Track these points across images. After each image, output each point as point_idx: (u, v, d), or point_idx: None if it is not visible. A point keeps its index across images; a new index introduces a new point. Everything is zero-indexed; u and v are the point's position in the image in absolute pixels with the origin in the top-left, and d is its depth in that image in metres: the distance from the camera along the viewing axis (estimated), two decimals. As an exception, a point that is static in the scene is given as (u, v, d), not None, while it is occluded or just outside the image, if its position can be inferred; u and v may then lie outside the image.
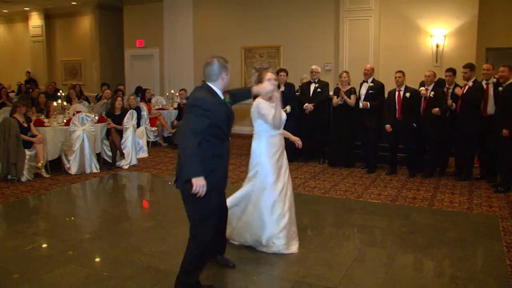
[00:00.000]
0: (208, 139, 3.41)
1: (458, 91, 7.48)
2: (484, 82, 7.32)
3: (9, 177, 7.50)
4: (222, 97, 3.59)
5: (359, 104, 8.16)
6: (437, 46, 10.32)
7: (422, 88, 7.70)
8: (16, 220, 5.76)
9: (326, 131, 8.88)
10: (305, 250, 4.57)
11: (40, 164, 7.66)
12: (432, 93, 7.52)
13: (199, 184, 3.23)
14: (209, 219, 3.52)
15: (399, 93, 7.73)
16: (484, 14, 10.15)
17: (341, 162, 8.60)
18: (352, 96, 8.20)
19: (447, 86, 7.69)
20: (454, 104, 7.43)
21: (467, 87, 7.30)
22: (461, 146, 7.51)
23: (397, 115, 7.74)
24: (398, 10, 10.72)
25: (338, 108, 8.41)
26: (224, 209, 3.99)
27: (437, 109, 7.37)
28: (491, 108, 7.23)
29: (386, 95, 8.10)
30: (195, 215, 3.51)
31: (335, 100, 8.41)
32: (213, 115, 3.38)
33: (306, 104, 8.68)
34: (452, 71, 7.68)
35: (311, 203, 6.34)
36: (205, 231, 3.50)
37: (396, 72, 7.74)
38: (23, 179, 7.50)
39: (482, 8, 10.07)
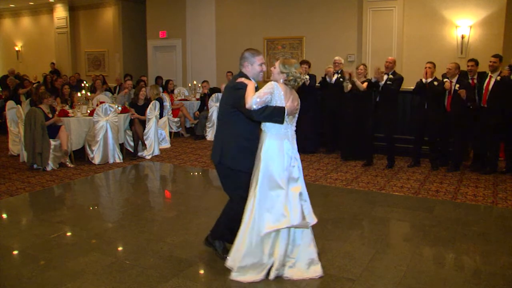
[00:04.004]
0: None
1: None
2: None
3: (35, 166, 7.66)
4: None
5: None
6: (463, 37, 10.12)
7: (446, 80, 7.56)
8: (42, 208, 5.88)
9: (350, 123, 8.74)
10: (326, 242, 4.56)
11: (65, 148, 7.80)
12: (457, 85, 7.37)
13: None
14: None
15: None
16: (512, 4, 9.90)
17: (359, 154, 8.33)
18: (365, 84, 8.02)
19: (470, 78, 7.55)
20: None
21: (493, 80, 7.15)
22: (486, 139, 7.38)
23: (425, 106, 7.62)
24: (422, 0, 10.54)
25: (356, 102, 8.23)
26: None
27: (464, 90, 7.18)
28: None
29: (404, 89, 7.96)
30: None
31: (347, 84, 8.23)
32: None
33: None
34: (474, 61, 7.56)
35: (332, 195, 6.32)
36: None
37: (427, 63, 7.57)
38: (48, 168, 7.65)
39: (511, -3, 9.82)
